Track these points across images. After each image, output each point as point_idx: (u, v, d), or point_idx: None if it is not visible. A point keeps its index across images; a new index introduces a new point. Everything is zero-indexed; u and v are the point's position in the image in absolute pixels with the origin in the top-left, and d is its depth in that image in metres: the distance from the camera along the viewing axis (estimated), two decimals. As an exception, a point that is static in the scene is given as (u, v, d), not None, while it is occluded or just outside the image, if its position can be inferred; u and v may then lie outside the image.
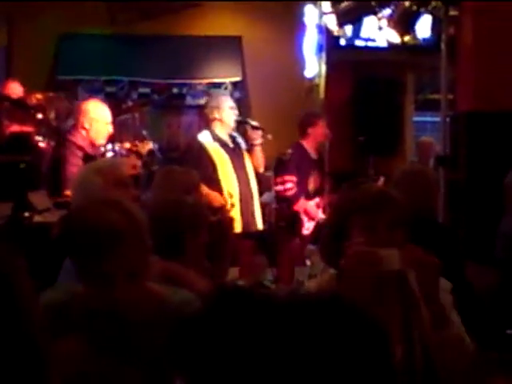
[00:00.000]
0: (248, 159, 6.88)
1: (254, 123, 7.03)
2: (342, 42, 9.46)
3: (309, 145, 7.68)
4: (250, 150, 6.96)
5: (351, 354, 0.99)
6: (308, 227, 7.56)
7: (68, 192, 5.76)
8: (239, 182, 6.71)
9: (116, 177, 3.71)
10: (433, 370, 2.33)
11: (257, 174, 6.98)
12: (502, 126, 6.03)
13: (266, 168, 7.42)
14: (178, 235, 3.42)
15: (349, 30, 8.94)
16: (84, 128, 6.16)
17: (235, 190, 6.67)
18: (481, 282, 4.39)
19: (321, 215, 7.63)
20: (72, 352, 2.13)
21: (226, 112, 6.80)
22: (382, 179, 7.35)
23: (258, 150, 6.95)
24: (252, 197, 6.88)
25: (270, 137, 7.15)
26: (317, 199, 7.67)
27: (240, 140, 6.96)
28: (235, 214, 6.65)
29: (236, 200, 6.67)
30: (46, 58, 10.49)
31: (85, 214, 2.48)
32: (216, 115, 6.74)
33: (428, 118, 11.37)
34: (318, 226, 7.46)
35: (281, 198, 7.58)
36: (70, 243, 2.43)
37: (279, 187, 7.52)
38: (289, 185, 7.47)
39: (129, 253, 2.38)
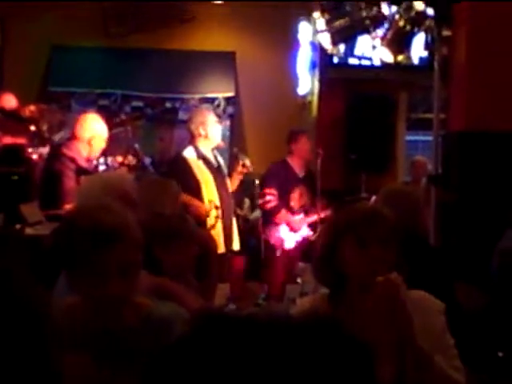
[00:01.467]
0: (227, 179, 6.92)
1: (247, 162, 7.07)
2: (336, 59, 9.49)
3: (294, 161, 7.78)
4: (229, 174, 7.03)
5: (335, 378, 0.99)
6: (290, 242, 7.62)
7: (68, 206, 5.74)
8: (221, 200, 6.70)
9: (125, 194, 3.68)
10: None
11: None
12: (493, 146, 6.05)
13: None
14: (148, 248, 3.40)
15: (342, 48, 8.97)
16: (81, 141, 6.16)
17: (218, 210, 6.67)
18: (471, 304, 4.39)
19: (306, 231, 7.70)
20: (74, 365, 2.13)
21: (211, 127, 6.80)
22: (373, 197, 7.37)
23: (237, 179, 7.03)
24: (231, 216, 6.92)
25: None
26: (301, 215, 7.72)
27: (220, 159, 7.00)
28: (218, 231, 6.66)
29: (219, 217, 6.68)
30: (39, 69, 10.50)
31: (84, 215, 2.49)
32: (201, 131, 6.73)
33: (420, 137, 11.42)
34: (309, 244, 7.52)
35: (264, 212, 7.68)
36: (67, 244, 2.43)
37: (260, 201, 7.61)
38: (268, 197, 7.54)
39: (125, 253, 2.39)
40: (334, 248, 2.73)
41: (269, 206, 7.62)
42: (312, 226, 7.78)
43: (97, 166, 6.51)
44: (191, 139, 6.81)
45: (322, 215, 7.67)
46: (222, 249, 6.65)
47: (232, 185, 7.03)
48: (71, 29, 10.29)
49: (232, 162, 7.45)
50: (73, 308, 2.49)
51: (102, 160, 6.64)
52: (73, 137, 6.27)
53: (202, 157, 6.72)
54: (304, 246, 7.73)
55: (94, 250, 2.36)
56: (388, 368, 2.23)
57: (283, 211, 7.63)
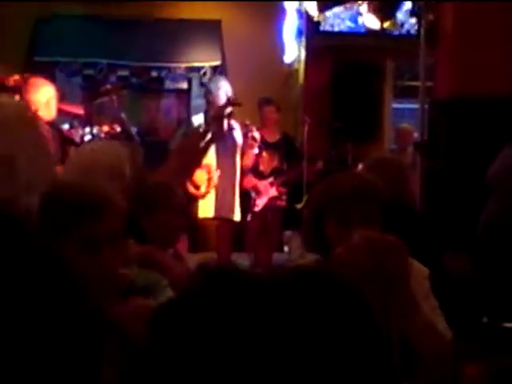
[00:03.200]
0: (239, 152, 7.05)
1: (256, 135, 7.23)
2: (322, 27, 9.46)
3: (263, 128, 7.99)
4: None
5: (340, 328, 0.98)
6: (258, 204, 7.81)
7: None
8: (219, 166, 6.88)
9: (111, 166, 3.65)
10: (409, 355, 2.34)
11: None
12: (480, 113, 6.05)
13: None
14: (133, 215, 3.38)
15: (329, 15, 8.96)
16: (39, 106, 6.16)
17: (213, 174, 6.83)
18: (459, 270, 4.41)
19: (273, 193, 7.90)
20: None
21: (216, 95, 6.97)
22: (360, 165, 7.40)
23: (250, 153, 7.20)
24: (233, 186, 7.05)
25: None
26: (270, 179, 7.88)
27: (237, 133, 7.11)
28: (209, 198, 6.85)
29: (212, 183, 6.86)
30: (24, 39, 10.41)
31: (67, 189, 2.49)
32: (210, 99, 6.90)
33: (406, 105, 11.40)
34: (293, 211, 7.72)
35: None
36: (52, 219, 2.43)
37: None
38: None
39: (109, 225, 2.40)
40: (318, 221, 2.73)
41: None
42: (283, 187, 7.99)
43: (82, 136, 6.49)
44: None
45: (291, 176, 8.05)
46: (210, 213, 6.82)
47: (246, 159, 7.21)
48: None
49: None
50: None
51: (87, 130, 6.62)
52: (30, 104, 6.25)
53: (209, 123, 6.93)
54: (279, 212, 7.94)
55: (77, 223, 2.36)
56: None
57: (249, 176, 7.80)
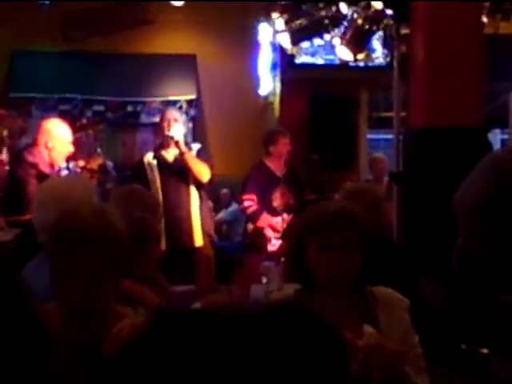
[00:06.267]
0: (190, 173, 6.78)
1: (171, 134, 6.85)
2: (297, 60, 9.52)
3: (272, 162, 7.61)
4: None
5: (304, 363, 0.97)
6: (274, 244, 7.55)
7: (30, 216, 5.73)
8: (166, 197, 6.69)
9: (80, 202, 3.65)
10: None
11: (201, 185, 6.92)
12: (452, 142, 6.10)
13: (222, 185, 7.38)
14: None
15: (303, 47, 9.01)
16: (46, 147, 6.15)
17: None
18: (436, 298, 4.43)
19: None
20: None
21: (167, 126, 6.80)
22: (336, 196, 7.40)
23: (188, 160, 6.81)
24: (187, 212, 6.82)
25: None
26: (284, 215, 7.63)
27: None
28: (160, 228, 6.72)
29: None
30: (-1, 75, 10.42)
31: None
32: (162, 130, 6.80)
33: (381, 136, 11.48)
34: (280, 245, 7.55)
35: (246, 216, 7.65)
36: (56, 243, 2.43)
37: (240, 206, 7.60)
38: (247, 203, 7.49)
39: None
40: (300, 249, 2.72)
41: (249, 211, 7.54)
42: None
43: (59, 171, 6.48)
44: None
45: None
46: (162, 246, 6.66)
47: (191, 170, 6.76)
48: (31, 34, 10.22)
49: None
50: (51, 315, 2.46)
51: (64, 165, 6.61)
52: (34, 143, 6.25)
53: (157, 156, 6.82)
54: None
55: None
56: (353, 365, 2.23)
57: (264, 214, 7.53)
